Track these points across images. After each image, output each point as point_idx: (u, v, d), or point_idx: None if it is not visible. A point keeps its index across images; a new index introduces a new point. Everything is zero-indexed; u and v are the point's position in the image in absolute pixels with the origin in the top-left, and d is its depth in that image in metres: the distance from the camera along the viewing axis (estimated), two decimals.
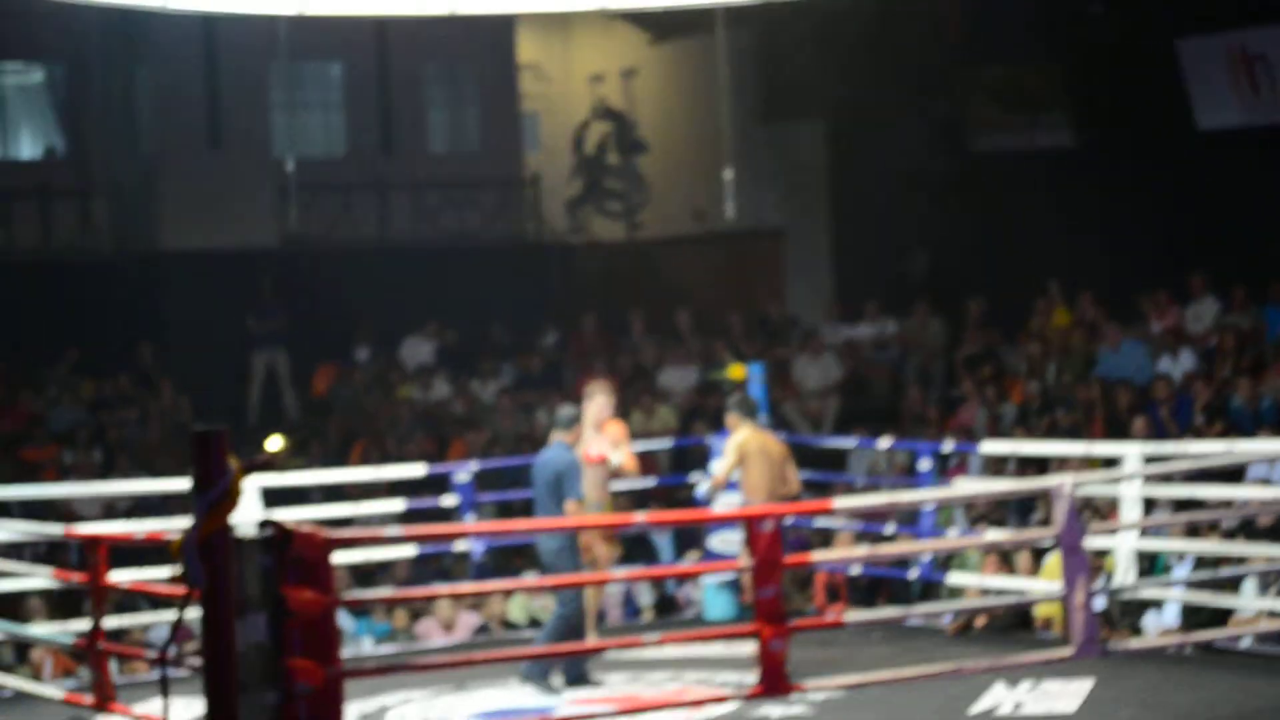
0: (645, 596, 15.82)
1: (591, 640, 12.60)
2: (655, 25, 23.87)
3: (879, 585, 15.14)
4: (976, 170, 21.02)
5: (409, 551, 14.86)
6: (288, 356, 21.00)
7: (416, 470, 15.14)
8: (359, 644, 14.66)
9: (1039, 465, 15.09)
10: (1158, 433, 15.26)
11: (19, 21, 21.63)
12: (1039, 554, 13.79)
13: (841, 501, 11.17)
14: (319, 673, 7.91)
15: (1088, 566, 9.78)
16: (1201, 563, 13.01)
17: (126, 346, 20.42)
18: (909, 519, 14.86)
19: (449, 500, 14.75)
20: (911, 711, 10.94)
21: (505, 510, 15.80)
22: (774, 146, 22.83)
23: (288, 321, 21.05)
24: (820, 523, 15.33)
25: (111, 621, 11.96)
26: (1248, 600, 12.48)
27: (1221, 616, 12.61)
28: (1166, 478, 12.89)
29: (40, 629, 13.09)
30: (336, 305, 21.40)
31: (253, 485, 13.59)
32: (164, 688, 8.24)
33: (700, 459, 16.04)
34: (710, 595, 15.25)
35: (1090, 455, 13.99)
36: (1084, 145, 20.21)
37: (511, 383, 20.46)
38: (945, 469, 15.71)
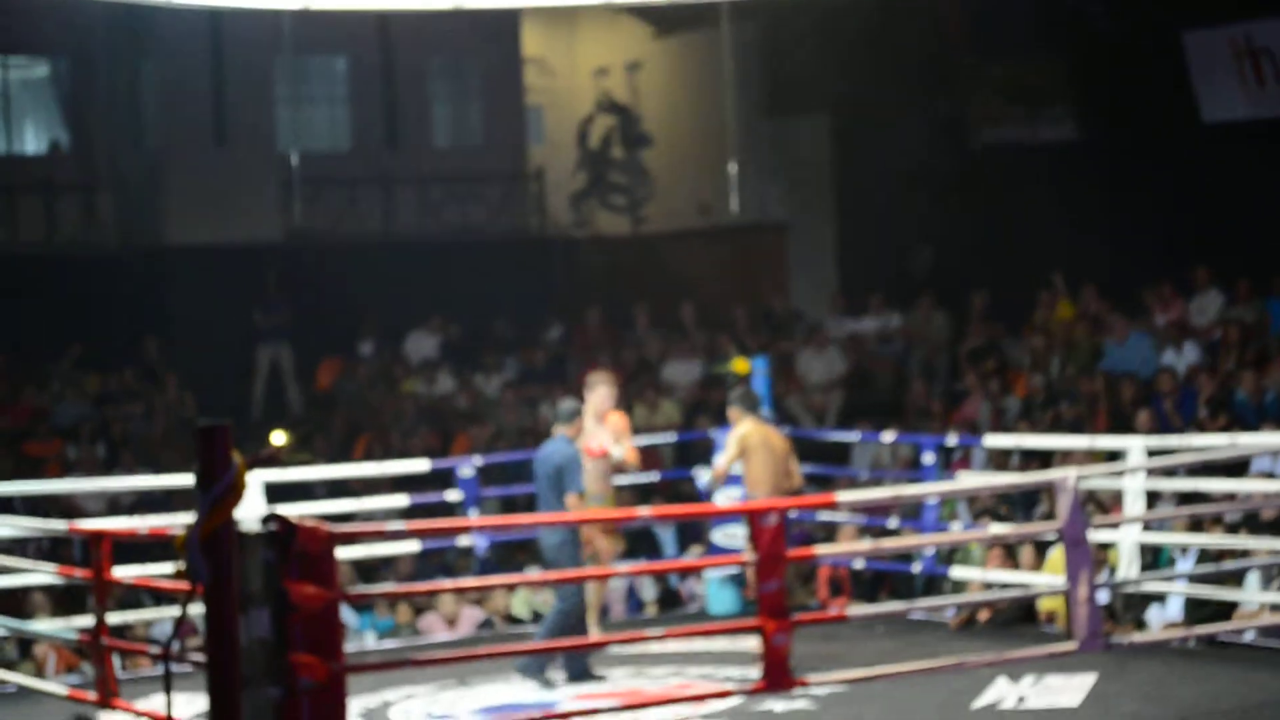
0: (648, 591, 15.82)
1: (594, 635, 12.62)
2: (660, 19, 23.88)
3: (882, 579, 15.14)
4: (980, 164, 21.01)
5: (412, 546, 14.87)
6: (292, 351, 21.01)
7: (420, 465, 15.14)
8: (362, 639, 14.66)
9: (1042, 459, 15.08)
10: (1162, 426, 15.25)
11: (24, 16, 21.66)
12: (1042, 548, 13.78)
13: (845, 495, 11.17)
14: (322, 668, 7.92)
15: (1091, 560, 9.79)
16: (1205, 556, 13.00)
17: (131, 341, 20.43)
18: (912, 513, 14.86)
19: (453, 495, 14.75)
20: (914, 706, 10.93)
21: (509, 505, 15.80)
22: (778, 141, 22.83)
23: (292, 316, 21.05)
24: (823, 517, 15.33)
25: (115, 617, 12.00)
26: (1251, 594, 12.49)
27: (1225, 610, 12.61)
28: (1170, 471, 12.90)
29: (44, 624, 13.10)
30: (341, 300, 21.41)
31: (256, 480, 13.61)
32: (167, 683, 8.24)
33: (704, 453, 16.04)
34: (713, 590, 15.24)
35: (1094, 449, 13.98)
36: (1087, 139, 20.20)
37: (515, 377, 20.47)
38: (949, 463, 15.70)
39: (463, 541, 15.11)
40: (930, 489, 13.91)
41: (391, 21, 23.28)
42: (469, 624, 15.00)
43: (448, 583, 13.69)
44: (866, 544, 13.82)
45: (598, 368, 17.68)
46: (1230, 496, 12.89)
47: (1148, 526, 13.08)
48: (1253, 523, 13.16)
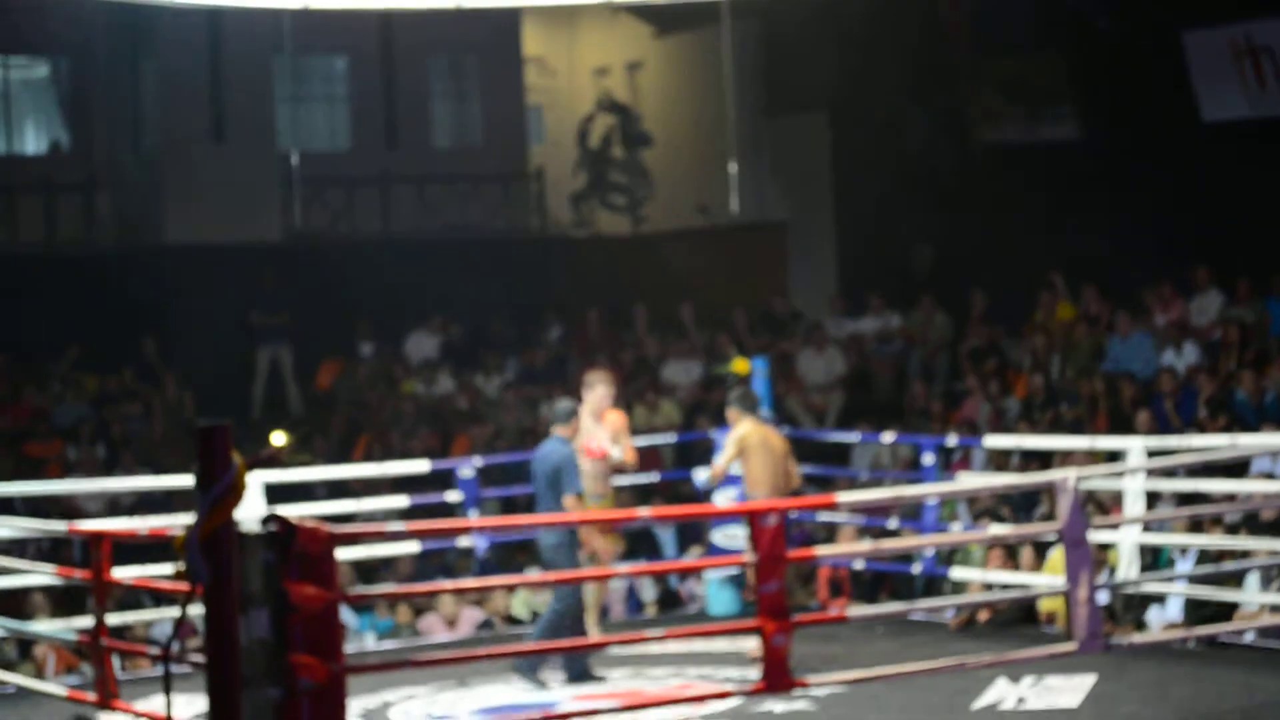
0: (648, 592, 15.82)
1: (594, 635, 12.61)
2: (660, 19, 23.89)
3: (882, 580, 15.13)
4: (980, 163, 21.00)
5: (412, 547, 14.86)
6: (291, 351, 20.98)
7: (420, 465, 15.13)
8: (362, 640, 14.66)
9: (1042, 459, 15.08)
10: (1162, 427, 15.25)
11: (24, 15, 21.67)
12: (1042, 548, 13.78)
13: (845, 496, 11.16)
14: (322, 669, 7.91)
15: (1091, 561, 9.78)
16: (1205, 557, 13.00)
17: (130, 341, 20.41)
18: (912, 514, 14.85)
19: (453, 496, 14.75)
20: (914, 707, 10.93)
21: (509, 505, 15.79)
22: (778, 140, 22.83)
23: (291, 316, 21.03)
24: (823, 517, 15.33)
25: (114, 618, 11.99)
26: (1251, 595, 12.48)
27: (1225, 611, 12.61)
28: (1170, 472, 12.89)
29: (43, 625, 13.09)
30: (340, 300, 21.39)
31: (256, 481, 13.60)
32: (167, 684, 8.24)
33: (704, 454, 16.03)
34: (713, 590, 15.24)
35: (1094, 449, 13.98)
36: (1088, 138, 20.18)
37: (515, 377, 20.46)
38: (949, 463, 15.70)
39: (463, 542, 15.10)
40: (930, 490, 13.91)
41: (391, 21, 23.29)
42: (469, 625, 15.00)
43: (448, 583, 13.68)
44: (866, 545, 13.81)
45: (596, 367, 17.70)
46: (1230, 497, 12.89)
47: (1148, 527, 13.08)
48: (1253, 523, 13.16)
